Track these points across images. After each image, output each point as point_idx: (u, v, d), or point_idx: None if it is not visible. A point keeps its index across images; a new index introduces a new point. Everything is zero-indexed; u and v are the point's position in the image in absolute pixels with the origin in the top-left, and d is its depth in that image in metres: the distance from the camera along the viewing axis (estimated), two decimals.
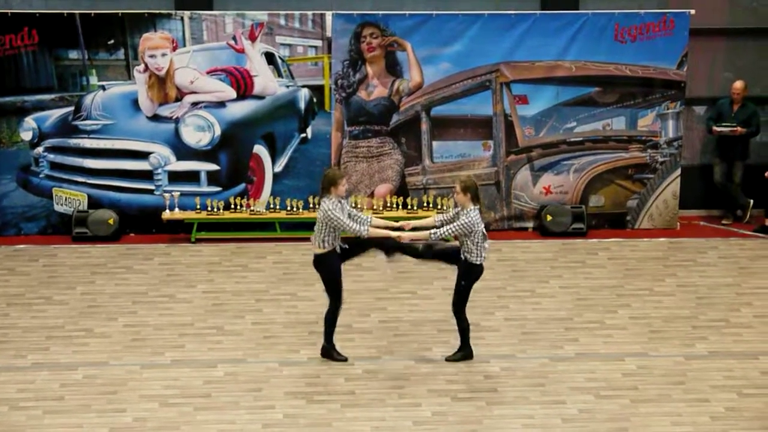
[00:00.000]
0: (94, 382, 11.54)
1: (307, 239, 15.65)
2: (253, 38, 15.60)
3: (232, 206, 15.82)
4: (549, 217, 16.04)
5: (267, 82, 15.79)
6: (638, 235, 16.18)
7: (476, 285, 11.79)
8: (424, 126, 16.02)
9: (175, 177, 15.87)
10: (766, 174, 16.00)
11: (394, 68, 15.83)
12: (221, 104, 15.77)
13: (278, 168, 16.06)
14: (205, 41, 15.64)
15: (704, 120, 16.61)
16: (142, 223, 15.97)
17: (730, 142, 16.24)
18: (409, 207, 15.84)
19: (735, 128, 16.11)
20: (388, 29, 15.67)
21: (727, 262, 15.10)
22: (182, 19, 15.57)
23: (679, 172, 16.24)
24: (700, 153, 16.98)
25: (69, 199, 15.94)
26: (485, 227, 12.30)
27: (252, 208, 15.83)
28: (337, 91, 15.84)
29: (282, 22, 15.69)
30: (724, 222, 16.60)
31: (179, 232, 15.87)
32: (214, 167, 15.88)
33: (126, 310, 13.41)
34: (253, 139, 15.93)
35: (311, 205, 15.80)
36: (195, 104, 15.73)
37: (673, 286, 14.28)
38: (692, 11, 15.78)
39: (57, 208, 15.98)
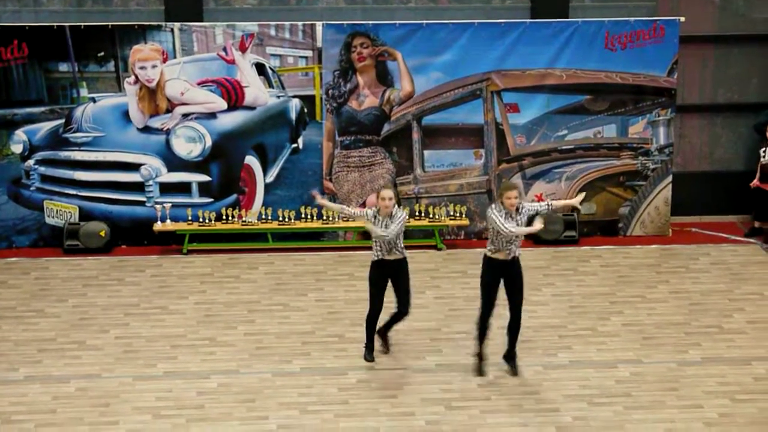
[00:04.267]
0: (86, 394, 11.52)
1: (300, 249, 15.73)
2: (243, 49, 15.60)
3: (224, 217, 15.80)
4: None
5: (258, 93, 15.78)
6: (630, 242, 16.18)
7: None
8: (416, 135, 16.02)
9: (167, 188, 15.85)
10: (750, 184, 16.09)
11: (384, 78, 15.83)
12: (212, 115, 15.76)
13: (270, 178, 16.05)
14: (196, 52, 15.64)
15: (757, 122, 16.50)
16: (134, 235, 15.94)
17: None
18: None
19: None
20: (379, 39, 15.68)
21: (720, 269, 15.11)
22: (172, 30, 15.57)
23: (670, 178, 16.25)
24: (697, 159, 17.01)
25: (60, 211, 15.91)
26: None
27: (244, 218, 15.81)
28: (328, 101, 15.84)
29: (272, 32, 15.69)
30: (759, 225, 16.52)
31: (171, 243, 15.85)
32: (205, 178, 15.87)
33: (118, 322, 13.38)
34: (244, 149, 15.92)
35: (303, 215, 15.78)
36: (186, 115, 15.72)
37: (666, 292, 14.29)
38: (682, 19, 15.81)
39: (48, 220, 15.95)
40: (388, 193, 11.75)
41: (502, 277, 11.64)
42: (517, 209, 11.45)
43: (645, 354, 12.46)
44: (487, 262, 11.62)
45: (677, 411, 11.13)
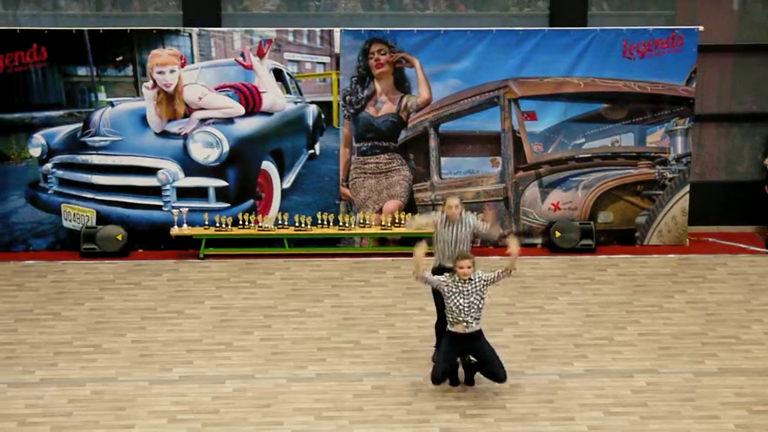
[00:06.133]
0: (102, 398, 11.54)
1: (316, 255, 15.74)
2: (261, 54, 15.62)
3: (241, 222, 15.81)
4: (558, 234, 16.01)
5: (275, 99, 15.80)
6: (647, 251, 16.14)
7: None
8: (433, 142, 16.01)
9: (184, 193, 15.87)
10: (766, 188, 16.09)
11: (402, 84, 15.83)
12: (229, 120, 15.78)
13: (286, 184, 16.06)
14: (214, 58, 15.67)
15: None
16: (151, 239, 15.96)
17: None
18: None
19: None
20: (396, 46, 15.68)
21: (737, 279, 15.06)
22: (190, 35, 15.59)
23: (688, 188, 16.20)
24: (714, 169, 16.95)
25: (77, 215, 15.95)
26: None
27: (260, 224, 15.83)
28: (345, 108, 15.85)
29: (290, 38, 15.71)
30: None
31: (188, 248, 15.87)
32: (222, 183, 15.89)
33: (134, 326, 13.41)
34: (261, 155, 15.94)
35: (319, 221, 15.79)
36: (203, 120, 15.75)
37: (683, 302, 14.24)
38: (701, 28, 15.77)
39: (65, 224, 15.99)
40: (453, 201, 11.91)
41: (464, 350, 11.45)
42: (470, 279, 11.22)
43: (661, 364, 12.43)
44: (447, 333, 11.44)
45: (693, 421, 11.09)
